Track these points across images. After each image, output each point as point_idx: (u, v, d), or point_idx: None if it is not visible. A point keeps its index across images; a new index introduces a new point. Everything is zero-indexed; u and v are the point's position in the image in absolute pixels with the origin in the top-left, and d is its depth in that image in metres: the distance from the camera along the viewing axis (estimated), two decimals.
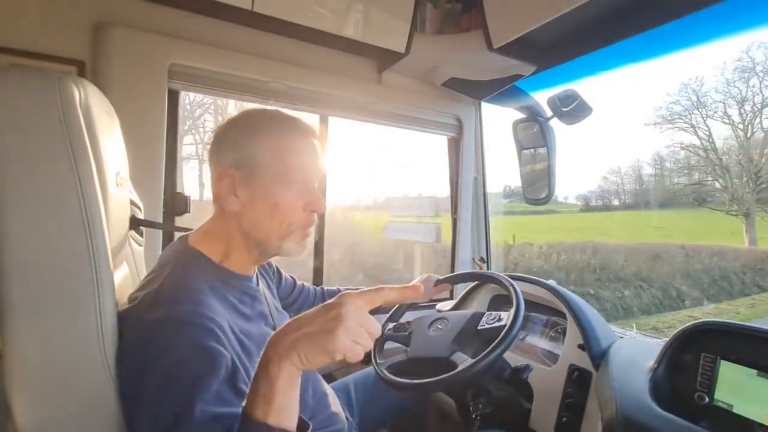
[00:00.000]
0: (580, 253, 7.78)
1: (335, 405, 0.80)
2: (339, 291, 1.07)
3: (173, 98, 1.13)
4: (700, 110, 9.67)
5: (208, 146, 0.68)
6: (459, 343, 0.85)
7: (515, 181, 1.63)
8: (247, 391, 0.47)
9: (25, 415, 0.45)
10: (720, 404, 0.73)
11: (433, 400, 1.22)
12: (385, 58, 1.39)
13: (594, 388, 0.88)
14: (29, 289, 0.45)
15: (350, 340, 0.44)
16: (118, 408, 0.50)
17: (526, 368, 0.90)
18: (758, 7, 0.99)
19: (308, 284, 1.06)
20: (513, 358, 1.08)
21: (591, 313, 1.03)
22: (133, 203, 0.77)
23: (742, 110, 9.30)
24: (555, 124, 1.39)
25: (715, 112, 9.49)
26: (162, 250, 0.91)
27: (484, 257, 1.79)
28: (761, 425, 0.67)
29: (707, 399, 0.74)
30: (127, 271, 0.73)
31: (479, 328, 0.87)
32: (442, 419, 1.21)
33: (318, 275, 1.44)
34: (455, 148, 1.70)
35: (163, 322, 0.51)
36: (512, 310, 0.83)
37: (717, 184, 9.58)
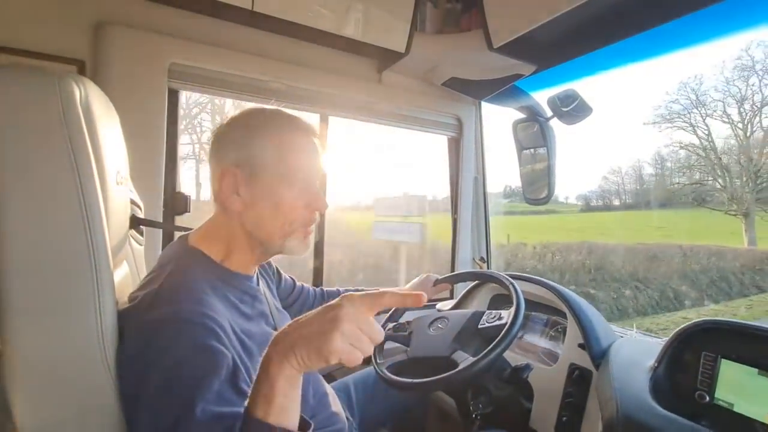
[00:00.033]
0: (576, 254, 7.73)
1: (335, 404, 0.80)
2: (339, 292, 1.07)
3: (173, 98, 1.13)
4: (699, 109, 9.67)
5: (208, 146, 0.68)
6: (459, 342, 0.85)
7: (515, 181, 1.64)
8: (248, 390, 0.47)
9: (24, 414, 0.45)
10: (721, 403, 0.73)
11: (434, 399, 1.22)
12: (385, 58, 1.39)
13: (594, 388, 0.88)
14: (29, 288, 0.45)
15: (347, 343, 0.43)
16: (118, 407, 0.50)
17: (527, 367, 0.90)
18: (758, 7, 0.99)
19: (308, 285, 1.06)
20: (513, 357, 1.08)
21: (591, 312, 1.03)
22: (133, 202, 0.77)
23: (741, 109, 9.29)
24: (555, 124, 1.40)
25: (715, 111, 9.48)
26: (162, 249, 0.91)
27: (485, 257, 1.79)
28: (762, 424, 0.67)
29: (708, 398, 0.74)
30: (127, 270, 0.73)
31: (480, 326, 0.87)
32: (443, 419, 1.20)
33: (318, 276, 1.45)
34: (455, 147, 1.70)
35: (164, 322, 0.51)
36: (513, 308, 0.83)
37: (716, 184, 9.57)
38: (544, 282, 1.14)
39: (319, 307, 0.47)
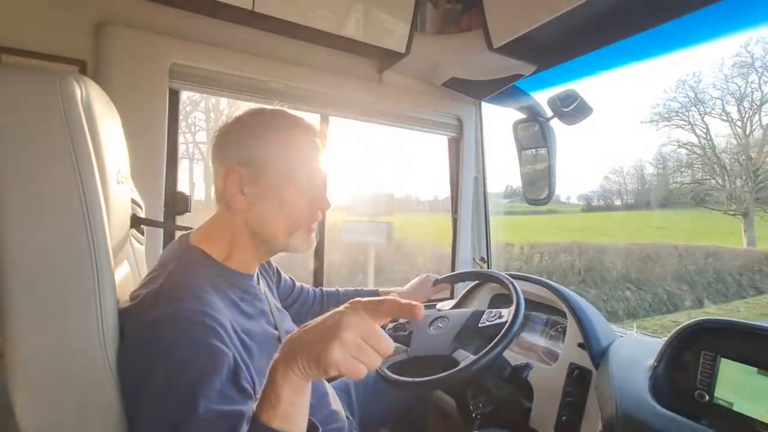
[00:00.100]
0: (565, 254, 7.51)
1: (335, 403, 0.80)
2: (338, 292, 1.07)
3: (174, 98, 1.14)
4: (698, 107, 9.57)
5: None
6: (460, 341, 0.85)
7: (516, 181, 1.64)
8: (250, 388, 0.47)
9: (26, 413, 0.45)
10: (720, 402, 0.73)
11: (433, 399, 1.22)
12: (386, 58, 1.39)
13: (594, 387, 0.88)
14: (30, 287, 0.45)
15: (347, 354, 0.41)
16: (119, 406, 0.50)
17: (526, 367, 0.90)
18: (758, 6, 0.99)
19: (308, 285, 1.06)
20: (513, 356, 1.08)
21: (591, 312, 1.03)
22: (134, 202, 0.77)
23: (740, 107, 9.22)
24: (555, 124, 1.40)
25: (713, 109, 9.37)
26: (163, 248, 0.91)
27: (485, 257, 1.79)
28: (761, 423, 0.67)
29: (707, 397, 0.74)
30: (128, 269, 0.73)
31: (480, 325, 0.87)
32: (443, 418, 1.20)
33: (318, 276, 1.45)
34: (455, 148, 1.71)
35: (165, 321, 0.51)
36: (513, 307, 0.83)
37: (714, 183, 9.49)
38: (544, 282, 1.14)
39: (327, 313, 0.45)
